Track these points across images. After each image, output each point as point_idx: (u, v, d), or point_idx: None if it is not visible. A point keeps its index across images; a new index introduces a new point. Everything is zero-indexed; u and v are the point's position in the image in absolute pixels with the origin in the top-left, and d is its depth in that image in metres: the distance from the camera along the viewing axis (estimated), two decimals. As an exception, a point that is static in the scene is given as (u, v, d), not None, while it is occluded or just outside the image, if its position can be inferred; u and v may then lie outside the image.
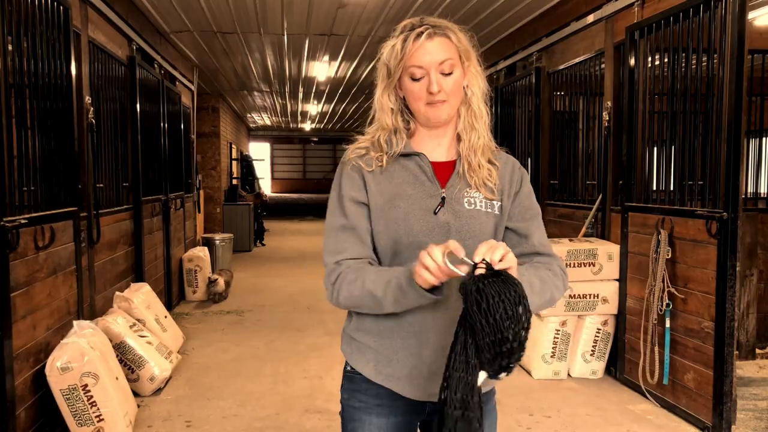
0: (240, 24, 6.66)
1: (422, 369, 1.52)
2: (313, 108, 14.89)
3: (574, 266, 4.48)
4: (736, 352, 3.67)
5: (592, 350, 4.61)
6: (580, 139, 5.54)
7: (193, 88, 8.94)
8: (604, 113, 4.86)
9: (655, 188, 4.36)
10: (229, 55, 8.31)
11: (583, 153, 5.48)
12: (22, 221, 3.12)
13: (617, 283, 4.55)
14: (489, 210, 1.55)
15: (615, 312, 4.56)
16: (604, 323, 4.59)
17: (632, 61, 4.38)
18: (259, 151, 30.18)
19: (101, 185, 4.66)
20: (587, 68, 5.30)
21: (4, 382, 2.94)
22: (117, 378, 3.61)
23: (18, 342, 3.11)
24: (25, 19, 3.27)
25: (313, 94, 12.22)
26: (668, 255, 3.94)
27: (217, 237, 8.93)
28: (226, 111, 13.49)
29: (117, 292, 4.65)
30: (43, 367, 3.32)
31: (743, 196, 4.19)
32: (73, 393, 3.31)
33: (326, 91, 11.89)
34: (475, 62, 1.55)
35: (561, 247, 4.48)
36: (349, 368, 1.63)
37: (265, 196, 16.34)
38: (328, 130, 22.17)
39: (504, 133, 6.83)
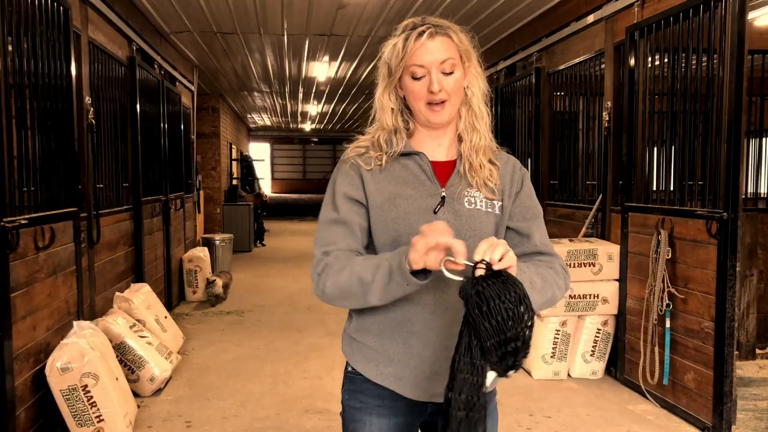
0: (240, 24, 6.66)
1: (424, 369, 1.52)
2: (313, 108, 14.89)
3: (574, 266, 4.48)
4: (736, 353, 3.67)
5: (592, 350, 4.61)
6: (580, 139, 5.54)
7: (193, 88, 8.94)
8: (604, 113, 4.86)
9: (655, 188, 4.36)
10: (229, 55, 8.31)
11: (583, 153, 5.48)
12: (22, 222, 3.12)
13: (617, 284, 4.55)
14: (489, 210, 1.55)
15: (615, 312, 4.56)
16: (604, 323, 4.59)
17: (632, 62, 4.38)
18: (259, 152, 30.16)
19: (101, 186, 4.66)
20: (587, 68, 5.30)
21: (4, 383, 2.94)
22: (117, 378, 3.61)
23: (18, 342, 3.11)
24: (25, 19, 3.27)
25: (313, 94, 12.22)
26: (668, 255, 3.94)
27: (217, 237, 8.92)
28: (226, 111, 13.49)
29: (117, 293, 4.65)
30: (43, 367, 3.32)
31: (743, 196, 4.19)
32: (73, 393, 3.31)
33: (326, 92, 11.89)
34: (476, 63, 1.56)
35: (561, 248, 4.48)
36: (350, 369, 1.63)
37: (265, 196, 16.33)
38: (328, 131, 22.17)
39: (504, 134, 6.82)
